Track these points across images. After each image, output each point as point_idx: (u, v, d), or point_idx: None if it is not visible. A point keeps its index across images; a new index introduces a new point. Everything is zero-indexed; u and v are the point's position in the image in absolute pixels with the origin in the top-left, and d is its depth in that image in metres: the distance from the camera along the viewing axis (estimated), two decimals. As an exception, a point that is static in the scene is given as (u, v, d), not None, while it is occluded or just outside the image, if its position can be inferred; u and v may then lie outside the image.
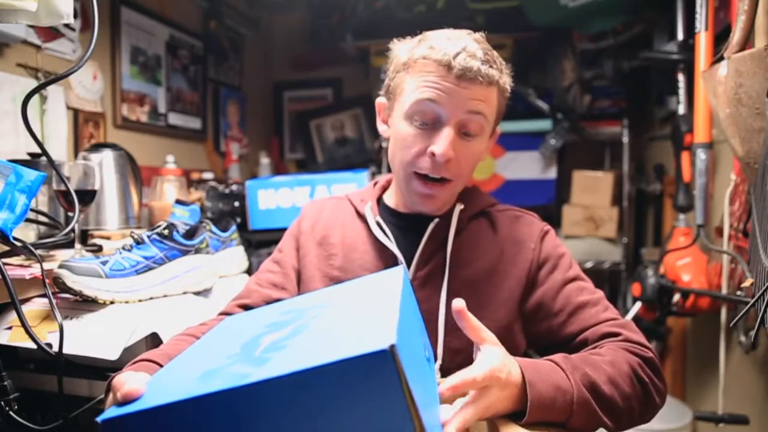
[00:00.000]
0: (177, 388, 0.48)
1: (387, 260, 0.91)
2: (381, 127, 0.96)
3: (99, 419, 0.47)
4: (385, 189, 1.03)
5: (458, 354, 0.84)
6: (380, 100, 0.95)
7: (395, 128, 0.89)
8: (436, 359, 0.84)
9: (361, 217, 0.97)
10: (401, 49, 0.89)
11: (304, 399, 0.44)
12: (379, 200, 1.01)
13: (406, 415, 0.44)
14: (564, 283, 0.87)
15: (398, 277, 0.66)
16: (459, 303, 0.63)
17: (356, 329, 0.50)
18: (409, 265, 0.90)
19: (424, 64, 0.82)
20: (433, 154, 0.82)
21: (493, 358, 0.62)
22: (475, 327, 0.64)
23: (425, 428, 0.45)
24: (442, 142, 0.81)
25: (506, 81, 0.87)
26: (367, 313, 0.55)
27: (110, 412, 0.49)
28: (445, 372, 0.83)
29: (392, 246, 0.90)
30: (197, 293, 1.16)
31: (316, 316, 0.59)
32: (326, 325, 0.55)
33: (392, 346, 0.43)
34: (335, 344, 0.47)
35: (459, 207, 0.93)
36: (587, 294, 0.86)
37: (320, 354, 0.44)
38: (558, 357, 0.72)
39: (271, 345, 0.53)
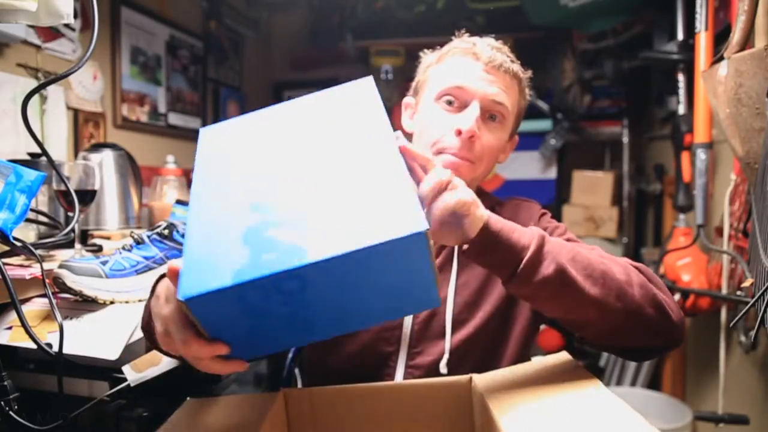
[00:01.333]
0: (234, 260, 0.52)
1: None
2: (406, 123, 0.98)
3: (182, 298, 0.50)
4: None
5: (464, 344, 0.84)
6: (407, 100, 0.99)
7: (422, 114, 0.91)
8: (444, 352, 0.84)
9: None
10: (431, 54, 0.95)
11: (349, 274, 0.52)
12: None
13: (431, 282, 0.54)
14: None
15: (371, 97, 0.66)
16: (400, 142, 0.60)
17: (376, 196, 0.54)
18: None
19: (453, 54, 0.89)
20: (459, 132, 0.84)
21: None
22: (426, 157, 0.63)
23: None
24: (469, 117, 0.84)
25: (526, 82, 0.92)
26: (370, 165, 0.57)
27: (189, 290, 0.51)
28: (454, 364, 0.83)
29: None
30: (197, 293, 1.16)
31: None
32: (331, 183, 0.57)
33: (427, 230, 0.50)
34: (366, 219, 0.52)
35: None
36: (581, 244, 0.85)
37: (360, 232, 0.51)
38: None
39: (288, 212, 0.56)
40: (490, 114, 0.87)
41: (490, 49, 0.87)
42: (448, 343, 0.84)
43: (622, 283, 0.65)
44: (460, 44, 0.90)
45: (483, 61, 0.86)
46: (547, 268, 0.62)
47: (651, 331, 0.68)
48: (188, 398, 0.78)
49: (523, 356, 0.88)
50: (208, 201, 0.60)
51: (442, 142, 0.86)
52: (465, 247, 0.64)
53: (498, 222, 0.63)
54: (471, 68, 0.86)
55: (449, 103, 0.87)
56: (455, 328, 0.85)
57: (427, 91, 0.91)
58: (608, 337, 0.70)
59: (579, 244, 0.81)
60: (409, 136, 0.98)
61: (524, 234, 0.64)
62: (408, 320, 0.86)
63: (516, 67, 0.89)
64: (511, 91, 0.88)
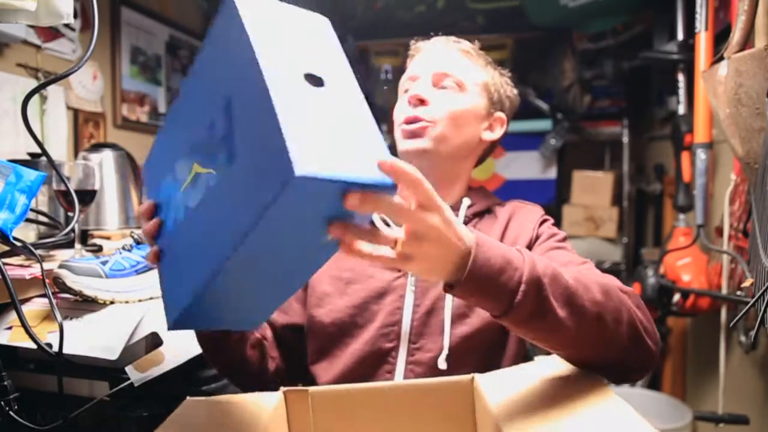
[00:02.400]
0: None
1: None
2: None
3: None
4: None
5: (465, 341, 0.84)
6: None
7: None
8: (443, 348, 0.84)
9: None
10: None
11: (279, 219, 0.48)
12: None
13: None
14: (550, 249, 0.87)
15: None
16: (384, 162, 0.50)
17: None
18: None
19: (409, 60, 0.99)
20: (409, 101, 0.89)
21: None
22: (417, 183, 0.51)
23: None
24: (414, 86, 0.92)
25: (490, 64, 0.97)
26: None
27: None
28: (454, 361, 0.83)
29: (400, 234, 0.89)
30: (197, 293, 1.16)
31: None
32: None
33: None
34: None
35: (467, 202, 0.94)
36: (573, 257, 0.84)
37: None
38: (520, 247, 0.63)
39: None
40: (441, 83, 0.92)
41: (439, 38, 0.97)
42: (447, 339, 0.84)
43: (606, 328, 0.61)
44: (414, 47, 1.00)
45: (423, 49, 0.96)
46: (536, 310, 0.57)
47: (625, 360, 0.65)
48: (188, 397, 0.78)
49: (525, 355, 0.88)
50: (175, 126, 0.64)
51: (399, 115, 0.92)
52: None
53: (483, 260, 0.55)
54: (418, 58, 0.97)
55: (406, 91, 0.94)
56: (455, 324, 0.85)
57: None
58: (579, 363, 0.67)
59: (571, 261, 0.82)
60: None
61: (511, 278, 0.56)
62: (407, 316, 0.86)
63: (462, 44, 0.96)
64: (464, 63, 0.93)
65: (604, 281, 0.65)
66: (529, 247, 0.89)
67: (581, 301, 0.59)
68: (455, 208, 0.93)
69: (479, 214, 0.94)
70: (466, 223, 0.92)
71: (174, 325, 0.60)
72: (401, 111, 0.92)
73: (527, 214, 0.94)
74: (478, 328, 0.84)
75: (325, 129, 0.49)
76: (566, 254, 0.86)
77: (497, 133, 0.97)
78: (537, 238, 0.90)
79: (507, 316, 0.57)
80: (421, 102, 0.89)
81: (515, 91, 1.00)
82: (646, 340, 0.65)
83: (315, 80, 0.55)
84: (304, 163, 0.43)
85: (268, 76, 0.48)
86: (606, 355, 0.64)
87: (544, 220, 0.94)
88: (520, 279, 0.56)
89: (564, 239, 0.90)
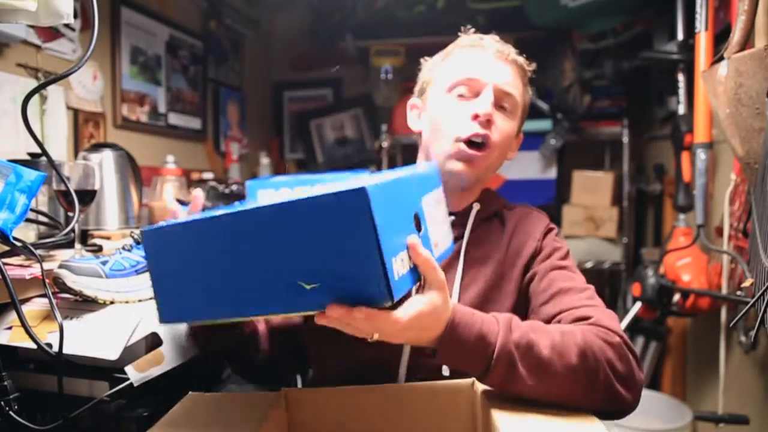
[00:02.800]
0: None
1: None
2: (413, 123, 0.99)
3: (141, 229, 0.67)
4: None
5: None
6: (412, 101, 1.00)
7: (433, 109, 0.92)
8: None
9: None
10: (433, 58, 0.98)
11: (285, 227, 0.56)
12: None
13: (374, 254, 0.53)
14: (553, 268, 0.87)
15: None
16: (412, 239, 0.61)
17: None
18: None
19: (461, 49, 0.93)
20: (476, 116, 0.86)
21: (427, 304, 0.62)
22: (429, 263, 0.62)
23: (389, 274, 0.54)
24: (485, 102, 0.86)
25: (530, 78, 0.94)
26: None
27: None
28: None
29: None
30: (197, 293, 1.16)
31: None
32: None
33: (366, 188, 0.52)
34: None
35: (476, 206, 0.94)
36: (574, 283, 0.85)
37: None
38: (503, 315, 0.70)
39: None
40: (501, 103, 0.89)
41: (495, 40, 0.91)
42: None
43: (577, 389, 0.67)
44: (466, 39, 0.93)
45: (491, 51, 0.89)
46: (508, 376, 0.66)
47: (600, 409, 0.69)
48: (190, 392, 0.79)
49: None
50: None
51: (460, 130, 0.87)
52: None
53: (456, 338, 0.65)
54: (480, 58, 0.89)
55: (461, 95, 0.89)
56: None
57: (435, 88, 0.93)
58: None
59: (572, 288, 0.83)
60: (417, 136, 0.99)
61: (485, 352, 0.66)
62: None
63: (521, 59, 0.92)
64: (518, 82, 0.91)
65: (586, 340, 0.68)
66: (532, 258, 0.89)
67: (554, 369, 0.66)
68: (466, 212, 0.93)
69: (487, 219, 0.94)
70: (473, 228, 0.92)
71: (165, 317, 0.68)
72: (461, 122, 0.87)
73: (533, 223, 0.94)
74: None
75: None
76: (567, 277, 0.86)
77: (515, 152, 0.98)
78: (540, 251, 0.90)
79: (481, 381, 0.68)
80: (489, 122, 0.86)
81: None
82: (622, 393, 0.68)
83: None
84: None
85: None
86: (580, 405, 0.68)
87: (549, 230, 0.94)
88: (492, 354, 0.65)
89: (566, 254, 0.91)
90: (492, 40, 0.92)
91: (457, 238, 0.91)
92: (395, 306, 0.58)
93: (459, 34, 0.96)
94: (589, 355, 0.67)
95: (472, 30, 0.96)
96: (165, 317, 0.69)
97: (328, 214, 0.54)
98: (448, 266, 0.89)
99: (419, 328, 0.62)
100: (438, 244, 0.73)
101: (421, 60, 1.00)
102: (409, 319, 0.60)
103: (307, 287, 0.56)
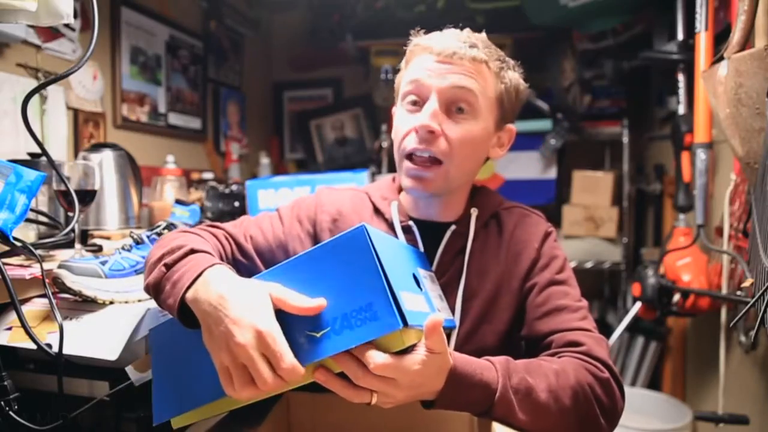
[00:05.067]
0: None
1: None
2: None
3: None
4: (401, 189, 1.00)
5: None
6: (393, 110, 0.95)
7: (394, 121, 0.90)
8: None
9: (379, 214, 0.95)
10: (407, 53, 0.92)
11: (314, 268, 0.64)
12: None
13: (377, 282, 0.59)
14: (550, 283, 0.87)
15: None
16: (436, 317, 0.62)
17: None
18: None
19: (414, 53, 0.88)
20: (417, 130, 0.83)
21: (422, 367, 0.62)
22: (434, 333, 0.62)
23: (398, 299, 0.58)
24: (424, 114, 0.82)
25: (503, 68, 0.87)
26: None
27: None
28: None
29: None
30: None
31: None
32: None
33: (364, 227, 0.61)
34: None
35: (475, 213, 0.92)
36: (570, 300, 0.85)
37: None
38: (500, 359, 0.71)
39: None
40: (455, 106, 0.83)
41: (447, 38, 0.85)
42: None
43: (570, 429, 0.72)
44: (419, 42, 0.88)
45: (435, 52, 0.84)
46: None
47: None
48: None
49: None
50: None
51: (405, 143, 0.85)
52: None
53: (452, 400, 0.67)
54: (426, 62, 0.84)
55: (413, 103, 0.86)
56: (460, 342, 0.84)
57: (398, 96, 0.91)
58: None
59: (567, 307, 0.83)
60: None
61: (485, 398, 0.68)
62: None
63: (476, 52, 0.83)
64: (477, 76, 0.84)
65: (579, 380, 0.72)
66: (531, 268, 0.89)
67: (550, 411, 0.69)
68: (462, 220, 0.92)
69: (485, 224, 0.93)
70: (474, 237, 0.90)
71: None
72: (405, 138, 0.85)
73: (531, 228, 0.92)
74: (483, 347, 0.84)
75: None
76: (562, 293, 0.86)
77: (506, 147, 0.94)
78: (538, 260, 0.89)
79: (480, 417, 0.71)
80: (431, 134, 0.82)
81: (525, 85, 0.92)
82: (602, 424, 0.74)
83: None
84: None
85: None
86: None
87: (547, 235, 0.92)
88: (492, 401, 0.67)
89: (564, 263, 0.90)
90: (442, 38, 0.85)
91: (459, 251, 0.90)
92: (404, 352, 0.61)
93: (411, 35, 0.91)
94: (581, 396, 0.72)
95: (422, 30, 0.91)
96: (158, 417, 0.73)
97: (332, 258, 0.62)
98: (451, 286, 0.88)
99: (419, 384, 0.63)
100: (441, 311, 0.76)
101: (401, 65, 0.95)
102: (417, 366, 0.61)
103: (317, 335, 0.59)
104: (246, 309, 0.60)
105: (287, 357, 0.58)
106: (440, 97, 0.83)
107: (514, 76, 0.89)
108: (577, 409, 0.71)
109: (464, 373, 0.66)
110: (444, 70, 0.83)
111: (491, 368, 0.69)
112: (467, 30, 0.89)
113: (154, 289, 0.74)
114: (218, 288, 0.64)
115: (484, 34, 0.89)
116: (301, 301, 0.62)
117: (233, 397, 0.62)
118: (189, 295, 0.66)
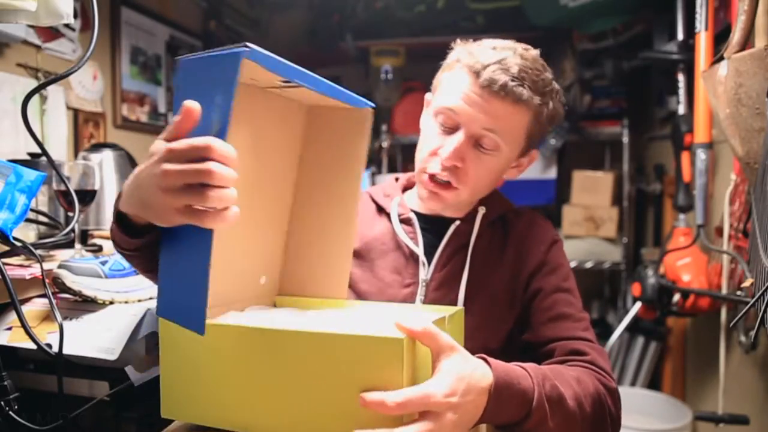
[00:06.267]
0: None
1: (408, 260, 0.91)
2: (422, 120, 0.94)
3: None
4: (406, 188, 1.02)
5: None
6: (427, 96, 0.95)
7: (424, 124, 0.91)
8: None
9: (382, 211, 0.97)
10: (455, 49, 0.89)
11: None
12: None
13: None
14: (556, 289, 0.87)
15: None
16: (401, 324, 0.57)
17: None
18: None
19: (459, 67, 0.84)
20: (440, 156, 0.84)
21: (451, 372, 0.59)
22: (425, 334, 0.58)
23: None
24: (449, 146, 0.83)
25: (543, 103, 0.84)
26: None
27: None
28: None
29: (416, 248, 0.90)
30: (197, 293, 1.16)
31: None
32: None
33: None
34: None
35: (482, 211, 0.93)
36: (573, 309, 0.86)
37: None
38: (531, 366, 0.70)
39: None
40: (478, 143, 0.84)
41: (496, 67, 0.80)
42: None
43: (587, 424, 0.72)
44: (469, 56, 0.83)
45: (481, 82, 0.80)
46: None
47: None
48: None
49: None
50: None
51: (428, 162, 0.87)
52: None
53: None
54: (467, 89, 0.81)
55: (441, 124, 0.85)
56: (468, 339, 0.84)
57: (434, 101, 0.89)
58: None
59: (570, 316, 0.84)
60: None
61: (522, 410, 0.65)
62: None
63: (521, 90, 0.80)
64: (512, 117, 0.82)
65: (597, 389, 0.74)
66: (536, 271, 0.89)
67: (576, 419, 0.70)
68: (468, 217, 0.93)
69: (492, 223, 0.93)
70: (479, 231, 0.91)
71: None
72: (430, 157, 0.86)
73: (540, 232, 0.93)
74: (484, 346, 0.84)
75: None
76: (567, 302, 0.87)
77: (524, 169, 0.95)
78: (544, 263, 0.90)
79: (510, 428, 0.68)
80: (454, 167, 0.84)
81: (562, 113, 0.90)
82: (610, 429, 0.76)
83: None
84: None
85: None
86: None
87: (554, 242, 0.93)
88: (529, 411, 0.65)
89: (569, 273, 0.91)
90: (492, 63, 0.80)
91: (463, 246, 0.90)
92: None
93: (457, 35, 0.91)
94: (597, 404, 0.73)
95: (471, 39, 0.89)
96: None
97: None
98: (452, 280, 0.89)
99: (463, 404, 0.58)
100: None
101: (452, 44, 0.90)
102: (443, 395, 0.57)
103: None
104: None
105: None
106: (467, 134, 0.83)
107: (553, 107, 0.87)
108: (594, 417, 0.73)
109: (505, 384, 0.63)
110: (480, 103, 0.81)
111: (526, 375, 0.67)
112: (520, 47, 0.84)
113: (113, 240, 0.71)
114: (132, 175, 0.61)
115: (536, 52, 0.85)
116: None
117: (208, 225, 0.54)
118: (121, 204, 0.63)
